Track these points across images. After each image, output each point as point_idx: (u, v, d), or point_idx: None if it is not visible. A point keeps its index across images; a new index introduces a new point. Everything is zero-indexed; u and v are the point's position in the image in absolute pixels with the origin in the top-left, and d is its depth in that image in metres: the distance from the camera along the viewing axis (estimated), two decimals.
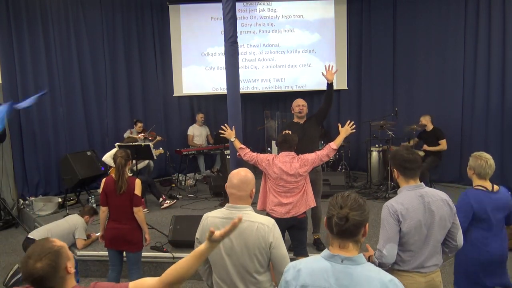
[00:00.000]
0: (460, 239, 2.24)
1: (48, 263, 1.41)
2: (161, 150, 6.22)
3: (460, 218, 2.45)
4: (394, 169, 2.26)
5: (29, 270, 1.40)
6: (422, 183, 2.23)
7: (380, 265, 2.12)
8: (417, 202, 2.13)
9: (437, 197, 2.18)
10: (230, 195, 2.10)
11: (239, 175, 2.09)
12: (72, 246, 4.44)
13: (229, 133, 3.86)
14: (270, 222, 2.07)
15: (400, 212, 2.11)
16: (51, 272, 1.42)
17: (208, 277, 2.26)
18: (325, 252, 1.49)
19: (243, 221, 2.04)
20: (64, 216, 5.40)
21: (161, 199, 5.90)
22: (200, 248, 1.54)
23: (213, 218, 2.11)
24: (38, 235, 4.17)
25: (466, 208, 2.63)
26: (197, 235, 2.17)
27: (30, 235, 4.20)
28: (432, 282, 2.19)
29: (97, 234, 4.53)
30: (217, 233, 1.46)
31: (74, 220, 4.42)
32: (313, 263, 1.49)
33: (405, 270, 2.16)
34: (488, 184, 2.70)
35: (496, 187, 2.72)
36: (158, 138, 7.11)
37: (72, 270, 1.50)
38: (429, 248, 2.14)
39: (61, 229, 4.30)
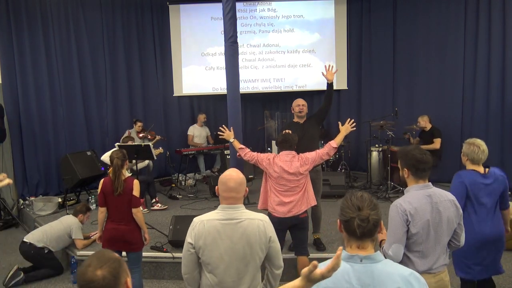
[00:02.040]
0: (463, 239, 2.23)
1: (109, 271, 1.28)
2: (160, 150, 6.22)
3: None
4: (405, 168, 2.23)
5: (88, 278, 1.26)
6: (430, 183, 2.21)
7: None
8: (425, 201, 2.13)
9: (445, 197, 2.17)
10: (227, 199, 2.09)
11: (235, 178, 2.09)
12: (72, 246, 4.45)
13: (228, 134, 3.85)
14: (265, 217, 2.14)
15: (409, 211, 2.09)
16: (112, 281, 1.27)
17: (194, 284, 2.18)
18: (344, 253, 1.48)
19: (243, 219, 2.05)
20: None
21: (153, 200, 5.91)
22: (293, 286, 1.32)
23: (210, 221, 2.07)
24: (33, 238, 4.16)
25: (460, 188, 2.69)
26: (190, 240, 2.07)
27: (26, 239, 4.18)
28: (441, 282, 2.18)
29: (94, 234, 4.54)
30: (318, 271, 1.22)
31: (68, 221, 4.40)
32: None
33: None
34: (481, 169, 2.76)
35: (487, 170, 2.78)
36: (158, 137, 7.11)
37: None
38: (438, 250, 2.13)
39: (55, 230, 4.28)
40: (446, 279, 2.21)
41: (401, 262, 2.20)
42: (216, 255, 2.04)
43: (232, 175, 2.11)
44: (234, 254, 2.03)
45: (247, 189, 2.18)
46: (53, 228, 4.33)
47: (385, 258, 2.06)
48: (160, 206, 5.88)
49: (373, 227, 1.45)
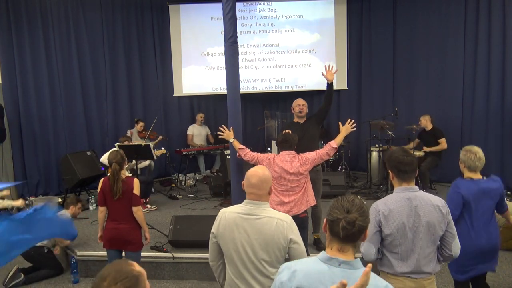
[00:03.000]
0: (456, 248, 2.16)
1: None
2: (163, 150, 6.21)
3: (450, 208, 2.49)
4: (389, 170, 2.24)
5: None
6: (416, 186, 2.18)
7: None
8: (403, 204, 2.11)
9: (428, 202, 2.12)
10: (249, 194, 2.11)
11: (258, 175, 2.10)
12: (73, 247, 4.45)
13: (228, 134, 3.85)
14: (288, 218, 2.11)
15: (382, 212, 2.10)
16: None
17: (220, 273, 2.26)
18: (323, 254, 1.47)
19: (262, 216, 2.06)
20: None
21: (144, 200, 5.82)
22: None
23: (232, 214, 2.12)
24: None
25: (456, 198, 2.69)
26: (213, 230, 2.17)
27: None
28: None
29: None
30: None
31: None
32: (310, 265, 1.47)
33: (394, 273, 2.14)
34: (478, 177, 2.76)
35: (485, 178, 2.78)
36: (160, 137, 7.10)
37: None
38: (416, 254, 2.10)
39: None
40: (429, 287, 2.15)
41: (381, 263, 2.20)
42: (232, 247, 2.07)
43: (257, 172, 2.12)
44: (250, 249, 2.05)
45: (272, 187, 2.20)
46: None
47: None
48: (151, 207, 5.81)
49: (358, 232, 1.42)
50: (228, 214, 2.13)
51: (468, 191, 2.68)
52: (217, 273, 2.28)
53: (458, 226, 2.67)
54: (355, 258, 1.45)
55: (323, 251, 1.49)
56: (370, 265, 1.23)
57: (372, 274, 1.44)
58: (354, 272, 1.41)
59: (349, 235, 1.41)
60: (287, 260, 2.06)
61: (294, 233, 2.06)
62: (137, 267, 1.32)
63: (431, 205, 2.12)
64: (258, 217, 2.07)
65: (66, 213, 4.43)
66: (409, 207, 2.10)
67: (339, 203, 1.47)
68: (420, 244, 2.10)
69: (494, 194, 2.76)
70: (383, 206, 2.12)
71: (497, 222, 2.91)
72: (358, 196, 1.56)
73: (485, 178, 2.77)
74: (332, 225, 1.45)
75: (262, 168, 2.18)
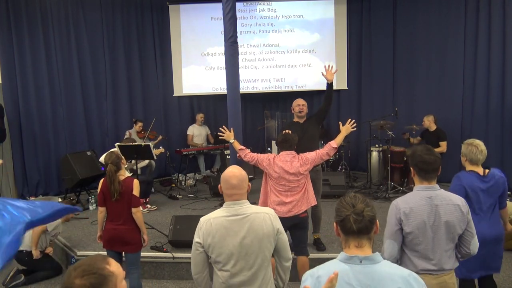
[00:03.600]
0: (474, 246, 2.18)
1: (87, 284, 1.21)
2: (161, 149, 6.21)
3: None
4: (411, 167, 2.24)
5: (67, 283, 1.23)
6: (437, 185, 2.19)
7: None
8: (424, 203, 2.12)
9: (449, 201, 2.14)
10: (231, 196, 2.11)
11: (236, 175, 2.12)
12: (73, 247, 4.45)
13: (228, 134, 3.85)
14: (270, 210, 2.19)
15: (403, 211, 2.11)
16: None
17: (206, 285, 2.20)
18: (342, 255, 1.50)
19: (248, 213, 2.08)
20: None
21: (144, 200, 5.84)
22: None
23: (217, 219, 2.09)
24: (24, 244, 4.10)
25: (459, 191, 2.68)
26: (198, 240, 2.10)
27: None
28: (444, 284, 2.16)
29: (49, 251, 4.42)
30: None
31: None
32: (332, 268, 1.47)
33: (415, 271, 2.13)
34: (480, 170, 2.77)
35: (487, 171, 2.78)
36: (160, 137, 7.10)
37: None
38: (438, 252, 2.11)
39: (37, 230, 4.19)
40: (451, 281, 2.19)
41: (401, 261, 2.22)
42: (226, 251, 2.06)
43: (234, 172, 2.13)
44: (244, 249, 2.05)
45: (250, 184, 2.20)
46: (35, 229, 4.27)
47: (381, 254, 2.09)
48: (151, 207, 5.83)
49: (369, 223, 1.47)
50: (213, 221, 2.09)
51: (470, 183, 2.69)
52: (203, 285, 2.19)
53: None
54: (373, 253, 1.48)
55: (342, 252, 1.51)
56: (336, 271, 1.27)
57: (394, 265, 1.49)
58: (375, 266, 1.45)
59: (362, 227, 1.45)
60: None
61: (279, 224, 2.15)
62: (113, 267, 1.29)
63: (452, 204, 2.13)
64: (245, 215, 2.08)
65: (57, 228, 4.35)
66: (429, 206, 2.11)
67: (343, 202, 1.51)
68: (440, 243, 2.12)
69: (497, 186, 2.75)
70: (404, 204, 2.13)
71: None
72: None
73: (487, 170, 2.77)
74: (343, 224, 1.49)
75: (237, 168, 2.19)
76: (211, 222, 2.09)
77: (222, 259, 2.08)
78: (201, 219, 2.16)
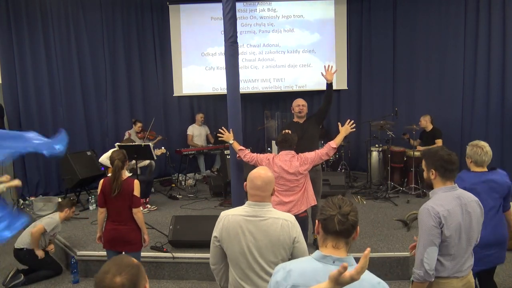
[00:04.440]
0: (479, 237, 2.23)
1: (128, 278, 1.25)
2: (162, 149, 6.21)
3: None
4: (432, 169, 2.18)
5: (106, 285, 1.23)
6: (456, 184, 2.17)
7: (425, 276, 2.04)
8: (456, 204, 2.10)
9: (471, 198, 2.16)
10: (253, 196, 2.10)
11: (262, 176, 2.09)
12: (73, 247, 4.44)
13: (227, 136, 3.85)
14: (291, 217, 2.12)
15: (443, 214, 2.04)
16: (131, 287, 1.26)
17: (222, 277, 2.24)
18: (317, 253, 1.51)
19: (267, 217, 2.06)
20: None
21: (144, 200, 5.83)
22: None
23: (235, 216, 2.10)
24: (23, 242, 4.11)
25: None
26: (215, 233, 2.14)
27: (17, 245, 4.13)
28: (468, 284, 2.16)
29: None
30: (347, 273, 1.21)
31: (49, 218, 4.31)
32: (304, 264, 1.51)
33: (444, 276, 2.11)
34: (485, 171, 2.75)
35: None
36: (159, 137, 7.10)
37: None
38: (468, 252, 2.12)
39: (38, 229, 4.17)
40: (472, 280, 2.19)
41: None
42: (238, 249, 2.06)
43: (260, 173, 2.11)
44: (257, 251, 2.04)
45: (275, 188, 2.20)
46: (34, 230, 4.28)
47: (423, 265, 2.02)
48: (151, 207, 5.83)
49: (351, 227, 1.46)
50: (231, 217, 2.10)
51: (473, 183, 2.67)
52: (219, 276, 2.25)
53: None
54: (347, 255, 1.49)
55: (317, 250, 1.52)
56: (369, 248, 1.25)
57: (366, 271, 1.45)
58: (348, 269, 1.43)
59: (344, 229, 1.45)
60: (290, 259, 2.08)
61: (298, 232, 2.08)
62: (134, 260, 1.35)
63: (474, 201, 2.16)
64: (263, 219, 2.06)
65: (55, 217, 4.35)
66: (460, 206, 2.10)
67: (330, 202, 1.52)
68: (471, 242, 2.13)
69: (502, 187, 2.73)
70: (441, 208, 2.06)
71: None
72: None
73: (491, 171, 2.75)
74: (325, 222, 1.49)
75: (265, 169, 2.17)
76: (229, 219, 2.10)
77: (235, 257, 2.08)
78: (222, 213, 2.18)
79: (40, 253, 4.09)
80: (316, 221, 1.57)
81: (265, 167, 2.23)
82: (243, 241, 2.05)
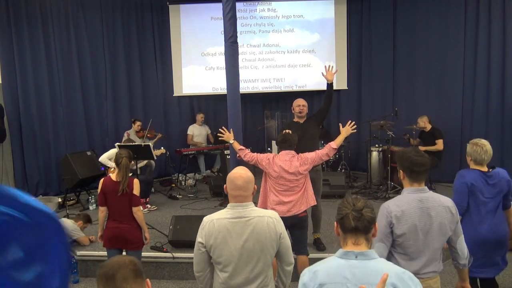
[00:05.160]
0: (461, 245, 2.18)
1: (135, 262, 1.37)
2: (162, 150, 6.21)
3: (457, 199, 2.59)
4: (400, 170, 2.22)
5: (115, 262, 1.34)
6: (426, 187, 2.18)
7: None
8: (415, 205, 2.11)
9: (439, 202, 2.13)
10: (235, 197, 2.10)
11: (242, 176, 2.10)
12: (73, 246, 4.44)
13: (228, 135, 3.85)
14: (275, 214, 2.18)
15: (395, 214, 2.09)
16: (139, 267, 1.37)
17: (207, 283, 2.21)
18: (339, 251, 1.56)
19: (252, 217, 2.07)
20: (63, 217, 5.41)
21: (144, 200, 5.83)
22: None
23: (220, 220, 2.08)
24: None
25: (462, 189, 2.69)
26: (200, 240, 2.11)
27: None
28: None
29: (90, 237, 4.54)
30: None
31: (65, 223, 4.37)
32: (329, 263, 1.55)
33: None
34: (484, 169, 2.75)
35: (491, 170, 2.76)
36: (159, 135, 7.10)
37: None
38: (426, 254, 2.11)
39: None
40: (435, 286, 2.17)
41: None
42: (227, 253, 2.06)
43: (240, 173, 2.12)
44: (245, 251, 2.05)
45: (255, 186, 2.19)
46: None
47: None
48: (150, 207, 5.83)
49: (368, 223, 1.53)
50: (216, 221, 2.08)
51: (473, 180, 2.68)
52: (204, 283, 2.21)
53: (464, 214, 2.73)
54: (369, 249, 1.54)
55: (340, 249, 1.57)
56: (387, 273, 1.32)
57: (389, 262, 1.56)
58: (370, 262, 1.50)
59: (360, 225, 1.51)
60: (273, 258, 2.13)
61: (282, 228, 2.13)
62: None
63: (442, 206, 2.12)
64: (248, 218, 2.07)
65: (74, 225, 4.43)
66: (420, 208, 2.10)
67: (345, 201, 1.58)
68: (431, 245, 2.11)
69: (502, 185, 2.73)
70: (395, 208, 2.11)
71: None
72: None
73: (491, 170, 2.75)
74: (342, 221, 1.55)
75: (244, 169, 2.18)
76: (214, 223, 2.08)
77: (223, 260, 2.08)
78: (205, 218, 2.15)
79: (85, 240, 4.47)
80: (335, 223, 1.62)
81: (243, 167, 2.24)
82: (231, 243, 2.04)
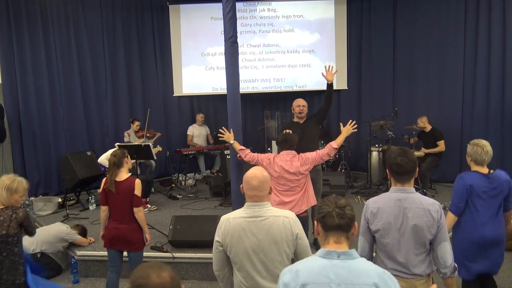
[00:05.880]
0: (442, 252, 2.07)
1: (172, 275, 1.29)
2: (159, 148, 6.20)
3: (455, 200, 2.64)
4: (387, 169, 2.26)
5: (154, 281, 1.25)
6: (412, 188, 2.15)
7: None
8: (392, 204, 2.11)
9: (419, 205, 2.08)
10: (251, 197, 2.10)
11: (258, 176, 2.10)
12: (73, 247, 4.44)
13: (228, 136, 3.85)
14: (292, 214, 2.15)
15: (371, 211, 2.15)
16: (177, 282, 1.30)
17: (227, 282, 2.22)
18: (321, 250, 1.55)
19: (268, 216, 2.07)
20: (64, 218, 5.41)
21: (144, 200, 5.83)
22: None
23: (236, 219, 2.09)
24: (24, 244, 4.12)
25: (461, 190, 2.70)
26: (218, 238, 2.13)
27: None
28: None
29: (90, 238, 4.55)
30: None
31: (59, 228, 4.38)
32: (310, 263, 1.54)
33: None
34: (485, 170, 2.75)
35: (492, 172, 2.76)
36: (158, 134, 7.09)
37: None
38: (403, 254, 2.09)
39: (46, 236, 4.23)
40: None
41: (375, 261, 2.23)
42: (242, 252, 2.06)
43: (255, 173, 2.11)
44: (261, 251, 2.05)
45: (271, 186, 2.19)
46: (44, 232, 4.29)
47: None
48: (151, 207, 5.83)
49: (349, 220, 1.54)
50: (232, 220, 2.10)
51: (474, 182, 2.69)
52: (224, 282, 2.23)
53: (464, 215, 2.74)
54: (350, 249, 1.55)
55: (321, 248, 1.56)
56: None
57: (370, 262, 1.55)
58: (353, 262, 1.50)
59: (343, 223, 1.52)
60: (293, 259, 2.11)
61: (299, 228, 2.11)
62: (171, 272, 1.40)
63: (422, 208, 2.08)
64: (264, 218, 2.07)
65: (68, 229, 4.43)
66: (398, 207, 2.10)
67: (326, 200, 1.59)
68: (407, 246, 2.09)
69: (502, 187, 2.73)
70: (373, 204, 2.17)
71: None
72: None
73: (491, 171, 2.75)
74: (324, 220, 1.55)
75: (259, 169, 2.18)
76: (230, 222, 2.10)
77: (239, 260, 2.08)
78: (222, 217, 2.17)
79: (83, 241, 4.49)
80: (315, 222, 1.61)
81: (259, 167, 2.24)
82: (247, 243, 2.05)
